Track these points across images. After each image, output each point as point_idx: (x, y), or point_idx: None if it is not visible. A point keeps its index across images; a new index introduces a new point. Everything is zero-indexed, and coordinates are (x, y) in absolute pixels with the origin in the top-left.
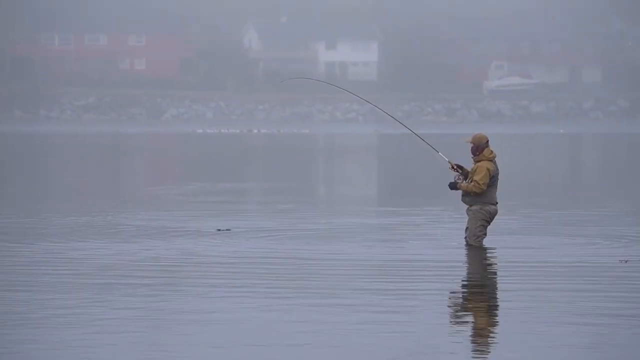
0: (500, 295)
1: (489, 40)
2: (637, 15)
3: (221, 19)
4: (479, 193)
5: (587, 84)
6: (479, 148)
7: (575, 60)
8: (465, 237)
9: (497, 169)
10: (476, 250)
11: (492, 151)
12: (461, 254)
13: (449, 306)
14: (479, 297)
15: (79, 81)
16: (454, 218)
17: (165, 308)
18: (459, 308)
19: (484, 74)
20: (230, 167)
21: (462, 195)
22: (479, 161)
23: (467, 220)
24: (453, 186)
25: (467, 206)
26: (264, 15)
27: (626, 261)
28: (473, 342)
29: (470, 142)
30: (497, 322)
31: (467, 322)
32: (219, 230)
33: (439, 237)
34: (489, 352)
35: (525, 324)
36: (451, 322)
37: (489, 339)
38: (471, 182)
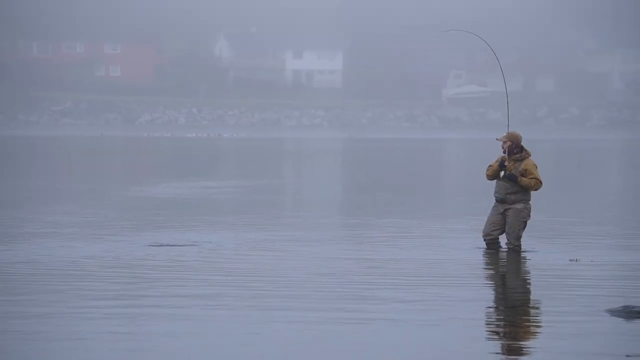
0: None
1: (448, 50)
2: (588, 27)
3: (194, 29)
4: (537, 189)
5: (540, 92)
6: (518, 146)
7: (530, 70)
8: (485, 236)
9: None
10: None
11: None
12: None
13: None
14: (506, 302)
15: (57, 87)
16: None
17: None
18: (489, 314)
19: (443, 82)
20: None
21: (507, 194)
22: (524, 159)
23: (490, 219)
24: (513, 178)
25: (504, 205)
26: (234, 25)
27: (577, 260)
28: (503, 348)
29: (508, 141)
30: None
31: (497, 329)
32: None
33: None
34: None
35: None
36: (479, 328)
37: (520, 346)
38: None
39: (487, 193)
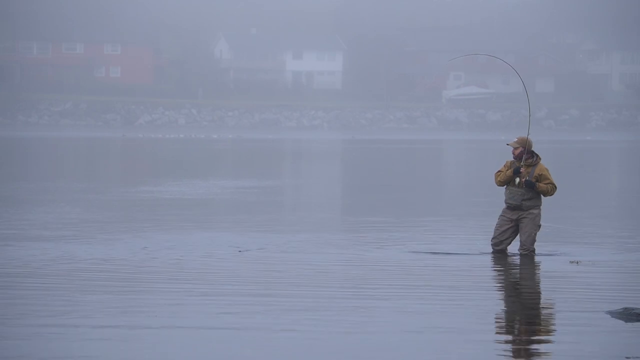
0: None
1: (447, 52)
2: (587, 30)
3: (194, 30)
4: (552, 195)
5: (540, 94)
6: (529, 151)
7: (529, 72)
8: (495, 246)
9: None
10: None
11: None
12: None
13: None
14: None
15: (57, 88)
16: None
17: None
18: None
19: (443, 83)
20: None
21: (523, 200)
22: (536, 164)
23: (500, 228)
24: (532, 185)
25: (517, 212)
26: (234, 27)
27: (577, 262)
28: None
29: (519, 147)
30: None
31: (496, 331)
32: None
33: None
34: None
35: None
36: (487, 330)
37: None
38: (548, 184)
39: (488, 194)
